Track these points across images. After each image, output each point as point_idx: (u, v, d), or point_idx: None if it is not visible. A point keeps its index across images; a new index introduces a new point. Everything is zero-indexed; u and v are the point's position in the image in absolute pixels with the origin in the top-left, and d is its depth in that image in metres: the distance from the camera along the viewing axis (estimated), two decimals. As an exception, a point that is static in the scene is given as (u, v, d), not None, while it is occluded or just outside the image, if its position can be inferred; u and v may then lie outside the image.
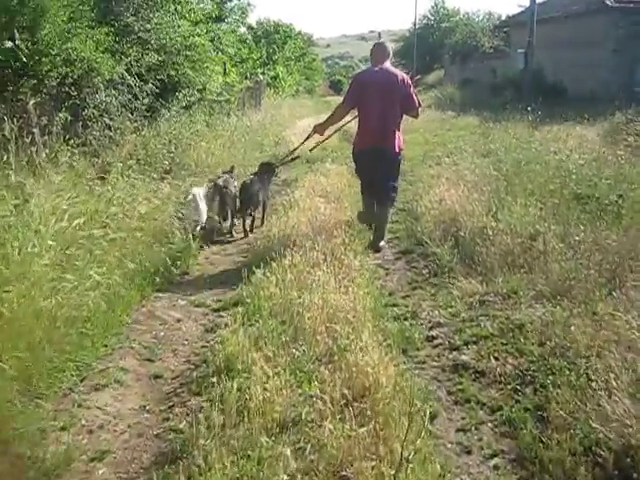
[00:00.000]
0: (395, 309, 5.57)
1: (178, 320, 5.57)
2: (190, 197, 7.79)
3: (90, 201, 6.24)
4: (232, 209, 8.39)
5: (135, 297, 5.73)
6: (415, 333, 4.94)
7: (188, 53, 12.33)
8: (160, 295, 6.10)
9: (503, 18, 42.18)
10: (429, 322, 5.25)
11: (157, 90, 11.31)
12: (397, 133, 7.22)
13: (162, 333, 5.28)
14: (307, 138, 8.31)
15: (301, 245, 6.32)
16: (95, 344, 4.73)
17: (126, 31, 10.68)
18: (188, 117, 13.12)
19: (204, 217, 7.94)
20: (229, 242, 8.25)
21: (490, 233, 6.41)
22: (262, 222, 8.78)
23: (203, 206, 7.87)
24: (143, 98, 10.43)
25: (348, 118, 8.21)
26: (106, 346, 4.85)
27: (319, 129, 7.80)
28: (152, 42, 11.24)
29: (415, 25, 52.68)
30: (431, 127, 18.71)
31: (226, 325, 5.04)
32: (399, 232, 8.17)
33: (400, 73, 7.34)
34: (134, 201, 6.69)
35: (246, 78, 25.52)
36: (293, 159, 9.79)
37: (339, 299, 4.99)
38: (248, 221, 8.53)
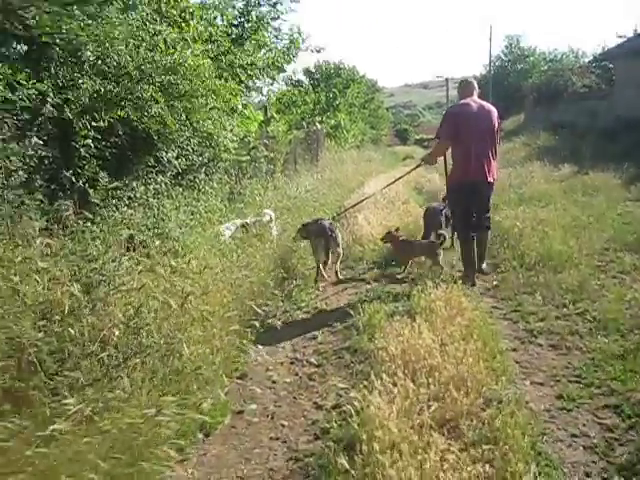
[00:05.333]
0: None
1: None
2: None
3: None
4: None
5: None
6: None
7: (169, 79, 6.91)
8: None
9: (590, 54, 37.43)
10: None
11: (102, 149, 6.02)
12: (493, 163, 7.45)
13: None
14: (415, 168, 9.16)
15: None
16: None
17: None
18: (181, 194, 7.82)
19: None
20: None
21: None
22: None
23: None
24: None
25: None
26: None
27: (429, 160, 8.04)
28: (87, 59, 5.93)
29: (490, 67, 47.42)
30: (558, 191, 12.97)
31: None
32: None
33: (493, 107, 7.56)
34: None
35: (298, 128, 20.35)
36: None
37: None
38: None
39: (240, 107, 10.81)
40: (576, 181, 14.40)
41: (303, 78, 31.95)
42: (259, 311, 5.46)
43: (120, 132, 6.62)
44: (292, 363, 5.37)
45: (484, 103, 7.57)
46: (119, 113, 6.34)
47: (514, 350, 5.36)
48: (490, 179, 7.35)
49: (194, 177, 8.90)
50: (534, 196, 12.38)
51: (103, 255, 4.72)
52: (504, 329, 5.89)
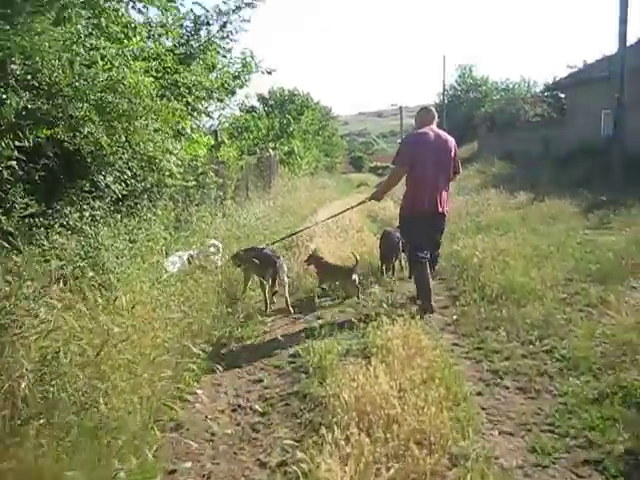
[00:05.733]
0: None
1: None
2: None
3: None
4: None
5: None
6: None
7: (105, 97, 6.33)
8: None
9: (542, 83, 37.89)
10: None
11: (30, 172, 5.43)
12: (445, 194, 7.32)
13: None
14: (360, 203, 8.66)
15: None
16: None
17: None
18: (120, 221, 7.25)
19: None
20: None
21: None
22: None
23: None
24: None
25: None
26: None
27: (377, 196, 7.94)
28: (12, 72, 5.36)
29: (444, 96, 47.77)
30: (516, 219, 12.69)
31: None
32: None
33: (450, 137, 7.41)
34: None
35: (251, 154, 19.91)
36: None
37: None
38: None
39: (189, 130, 10.23)
40: (533, 209, 14.18)
41: (257, 104, 31.64)
42: (198, 352, 4.91)
43: (50, 153, 6.01)
44: (234, 410, 4.78)
45: (441, 132, 7.42)
46: (45, 132, 5.74)
47: (479, 394, 4.86)
48: (441, 210, 7.24)
49: (135, 203, 8.30)
50: (492, 224, 12.08)
51: (17, 291, 4.11)
52: (467, 370, 5.39)
